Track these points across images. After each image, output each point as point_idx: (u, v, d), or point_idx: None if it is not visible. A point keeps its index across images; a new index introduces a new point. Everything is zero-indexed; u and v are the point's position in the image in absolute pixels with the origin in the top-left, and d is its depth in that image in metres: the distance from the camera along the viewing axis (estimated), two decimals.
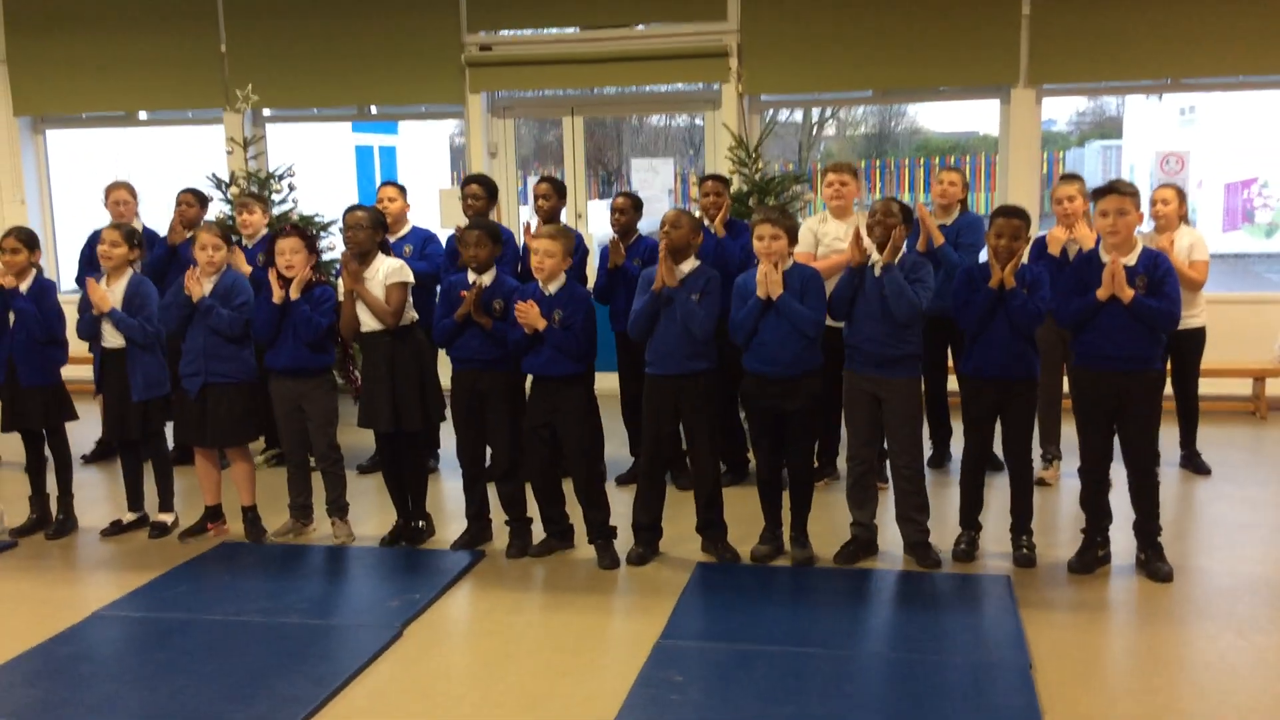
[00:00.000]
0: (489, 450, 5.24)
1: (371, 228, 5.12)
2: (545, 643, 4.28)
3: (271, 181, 7.79)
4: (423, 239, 6.29)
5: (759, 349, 4.82)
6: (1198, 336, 6.01)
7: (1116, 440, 4.79)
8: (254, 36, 8.67)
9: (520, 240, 6.50)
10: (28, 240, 5.41)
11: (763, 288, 4.70)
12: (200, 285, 5.21)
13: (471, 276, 5.06)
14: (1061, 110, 28.90)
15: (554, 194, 6.06)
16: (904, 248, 4.78)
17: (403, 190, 6.38)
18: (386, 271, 5.10)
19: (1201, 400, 6.31)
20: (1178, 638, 4.20)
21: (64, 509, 5.62)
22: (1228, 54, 7.51)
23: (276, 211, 7.82)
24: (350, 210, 5.19)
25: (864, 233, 4.84)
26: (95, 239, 6.80)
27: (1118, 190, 4.60)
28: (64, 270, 9.32)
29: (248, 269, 5.79)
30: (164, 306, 5.33)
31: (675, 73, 8.33)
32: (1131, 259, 4.61)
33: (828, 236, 5.67)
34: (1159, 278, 4.59)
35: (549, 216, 5.97)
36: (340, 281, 5.17)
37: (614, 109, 10.80)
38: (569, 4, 8.39)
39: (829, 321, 4.86)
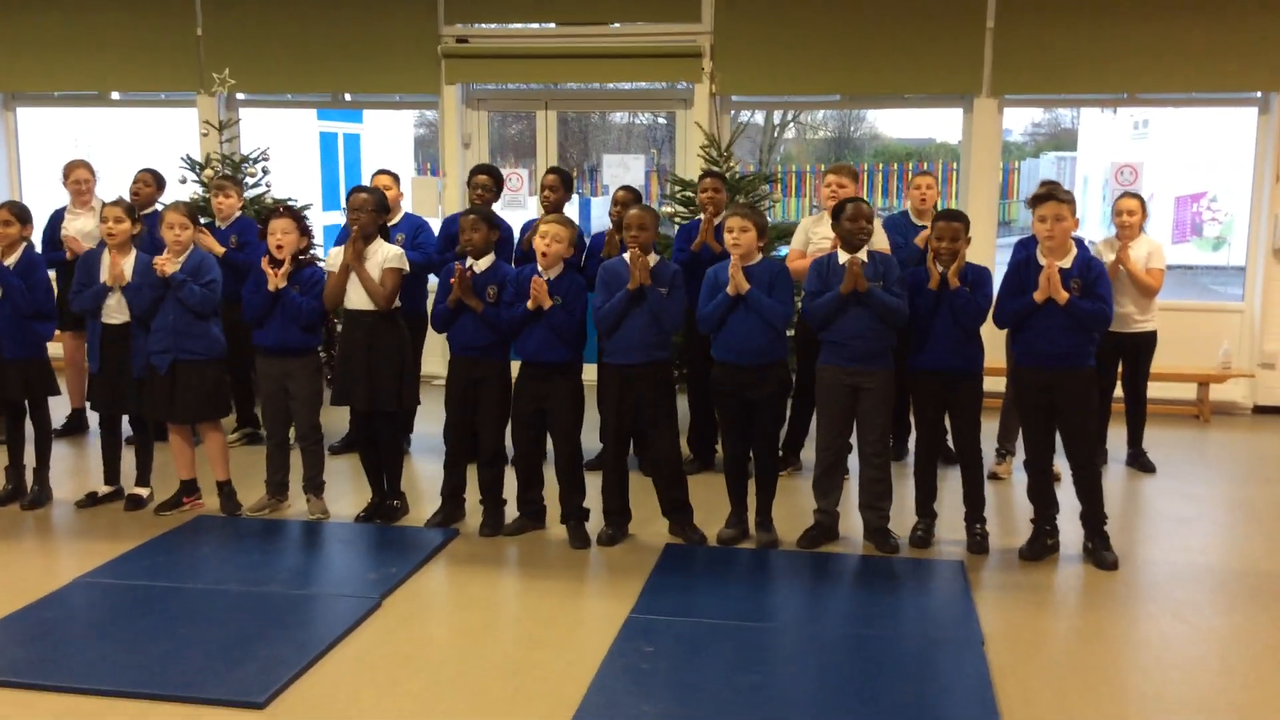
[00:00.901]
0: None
1: (375, 209, 5.25)
2: (521, 615, 4.45)
3: (245, 165, 7.85)
4: (415, 227, 6.39)
5: (727, 339, 5.00)
6: (1150, 340, 6.27)
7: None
8: (231, 20, 8.73)
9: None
10: (20, 214, 5.48)
11: (733, 284, 4.88)
12: (172, 264, 5.28)
13: (468, 261, 5.20)
14: (1018, 121, 29.36)
15: (561, 186, 6.20)
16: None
17: (396, 178, 6.49)
18: (386, 255, 5.23)
19: (1148, 403, 6.58)
20: (1121, 620, 4.43)
21: (40, 480, 5.69)
22: (1181, 71, 7.81)
23: (250, 195, 7.88)
24: (354, 191, 5.32)
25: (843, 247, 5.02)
26: (57, 219, 6.89)
27: (1056, 197, 4.85)
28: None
29: (220, 250, 5.88)
30: (134, 288, 5.38)
31: (649, 71, 8.49)
32: (1067, 262, 4.85)
33: (817, 236, 5.86)
34: (1092, 280, 4.84)
35: (554, 208, 6.10)
36: (333, 252, 5.29)
37: (587, 104, 10.93)
38: None
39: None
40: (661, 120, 24.63)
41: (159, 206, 6.73)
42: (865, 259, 4.94)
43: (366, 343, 5.21)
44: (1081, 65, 7.88)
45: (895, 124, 31.42)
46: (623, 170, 8.79)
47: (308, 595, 4.53)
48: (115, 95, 9.41)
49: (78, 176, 6.91)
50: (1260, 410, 8.10)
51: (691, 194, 7.26)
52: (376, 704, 3.64)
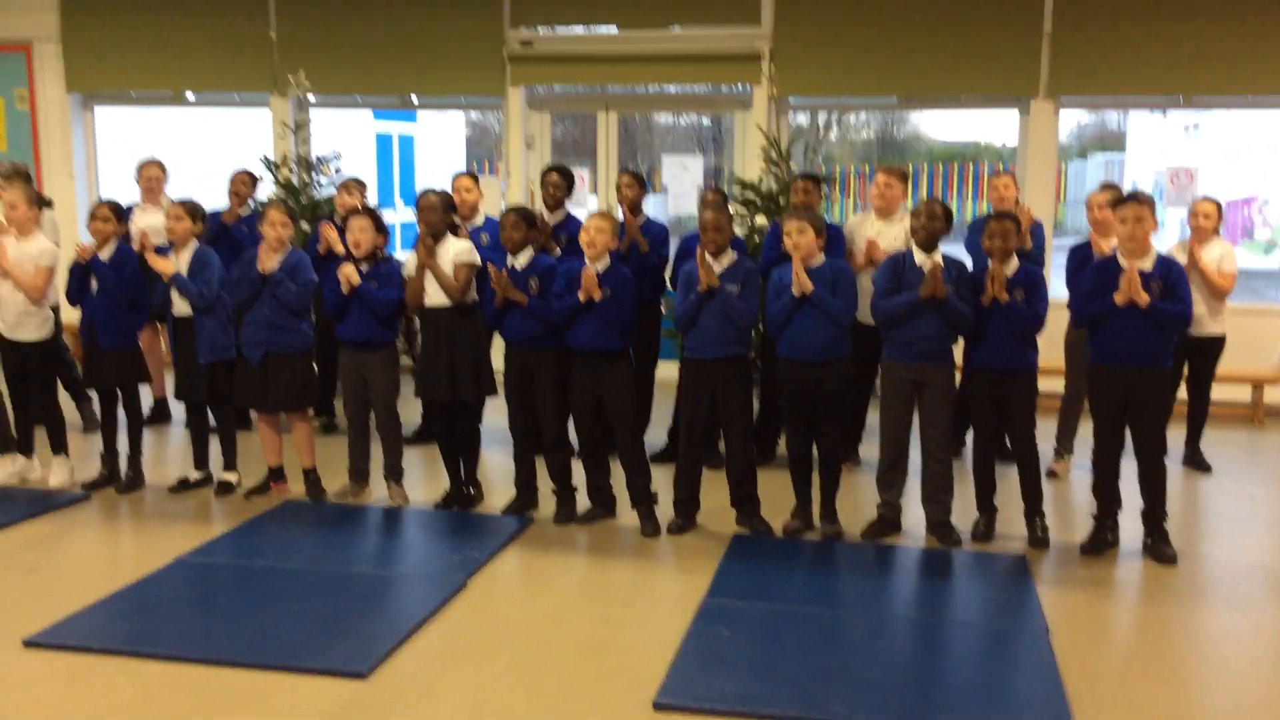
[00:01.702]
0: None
1: (443, 209, 5.46)
2: (598, 598, 4.64)
3: (321, 165, 8.10)
4: (484, 227, 6.60)
5: (793, 336, 5.16)
6: (1218, 344, 6.37)
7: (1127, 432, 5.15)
8: (304, 24, 9.01)
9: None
10: (117, 211, 5.76)
11: (796, 286, 5.04)
12: (272, 260, 5.53)
13: (509, 260, 5.40)
14: (1064, 123, 29.20)
15: (636, 184, 6.36)
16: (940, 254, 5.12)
17: (476, 179, 6.70)
18: (456, 251, 5.44)
19: None
20: (1182, 613, 4.55)
21: (133, 466, 5.95)
22: (1238, 73, 7.87)
23: (323, 195, 8.12)
24: (424, 194, 5.53)
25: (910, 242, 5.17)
26: (126, 214, 7.14)
27: (1137, 200, 4.96)
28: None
29: (340, 248, 6.07)
30: (234, 282, 5.65)
31: (708, 73, 8.68)
32: (1147, 264, 4.96)
33: (871, 233, 6.01)
34: (1172, 282, 4.94)
35: (632, 206, 6.29)
36: (408, 257, 5.52)
37: (647, 106, 11.13)
38: (608, 3, 8.72)
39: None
40: (706, 122, 24.80)
41: (250, 203, 7.06)
42: (941, 262, 5.08)
43: (446, 336, 5.42)
44: (1138, 67, 7.97)
45: (938, 125, 31.47)
46: (682, 170, 8.96)
47: (397, 575, 4.75)
48: (189, 96, 9.71)
49: (149, 174, 7.22)
50: None
51: (754, 194, 7.42)
52: (469, 678, 3.85)
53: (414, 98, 9.47)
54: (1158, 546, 5.10)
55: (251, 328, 5.56)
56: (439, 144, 20.15)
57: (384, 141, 19.07)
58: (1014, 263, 5.08)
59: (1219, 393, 7.76)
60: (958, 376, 5.33)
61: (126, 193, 7.54)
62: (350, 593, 4.53)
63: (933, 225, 5.08)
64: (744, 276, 5.18)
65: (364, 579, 4.69)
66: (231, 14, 9.11)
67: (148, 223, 6.97)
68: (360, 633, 4.12)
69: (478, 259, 5.52)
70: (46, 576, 4.77)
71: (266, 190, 8.07)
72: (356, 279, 5.44)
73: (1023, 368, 5.14)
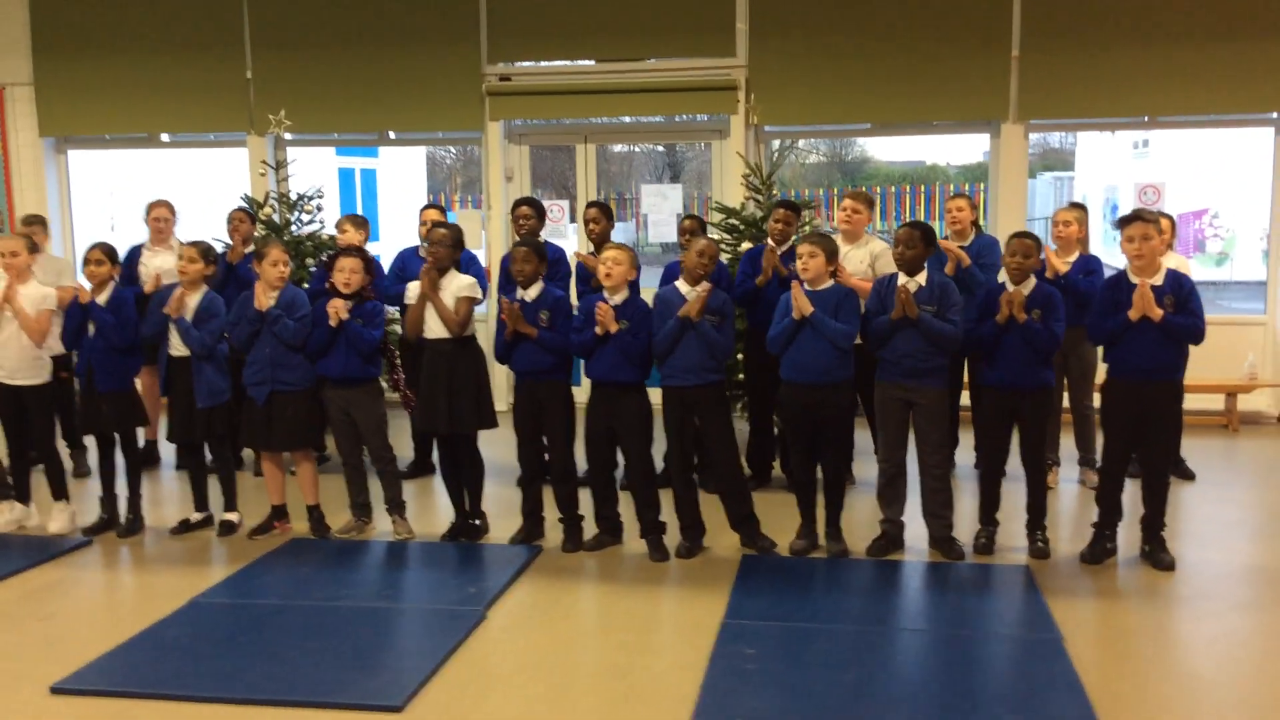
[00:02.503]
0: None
1: (453, 246, 5.53)
2: (618, 624, 4.68)
3: (304, 202, 8.13)
4: (466, 260, 6.65)
5: (795, 358, 5.26)
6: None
7: None
8: (280, 63, 9.04)
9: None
10: (110, 254, 5.76)
11: (796, 309, 5.15)
12: (268, 298, 5.56)
13: (518, 292, 5.47)
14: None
15: (603, 218, 6.49)
16: (923, 272, 5.25)
17: (444, 212, 6.76)
18: (459, 285, 5.50)
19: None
20: (1187, 616, 4.69)
21: (133, 509, 5.92)
22: (1199, 94, 8.14)
23: (305, 231, 8.14)
24: (435, 227, 5.60)
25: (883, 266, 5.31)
26: (134, 255, 7.16)
27: (1142, 218, 5.10)
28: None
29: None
30: (233, 323, 5.67)
31: (686, 104, 8.82)
32: (1158, 279, 5.09)
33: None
34: (1184, 296, 5.08)
35: (600, 239, 6.39)
36: (409, 289, 5.56)
37: (625, 137, 11.26)
38: (585, 38, 8.85)
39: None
40: (681, 149, 24.95)
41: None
42: (923, 284, 5.21)
43: (447, 369, 5.47)
44: (1104, 90, 8.22)
45: (887, 149, 31.95)
46: (660, 199, 9.10)
47: (415, 609, 4.78)
48: (164, 137, 9.70)
49: (157, 214, 7.20)
50: None
51: (736, 221, 7.55)
52: (503, 706, 3.88)
53: (391, 134, 9.49)
54: (1156, 554, 5.24)
55: (255, 367, 5.58)
56: (400, 178, 20.28)
57: (347, 176, 19.15)
58: (1031, 282, 5.21)
59: (1194, 402, 7.97)
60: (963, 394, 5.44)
61: (100, 235, 7.53)
62: (371, 628, 4.55)
63: (909, 252, 5.20)
64: (720, 307, 5.27)
65: (383, 614, 4.71)
66: (206, 55, 9.13)
67: (158, 264, 6.94)
68: (388, 667, 4.14)
69: (480, 294, 5.58)
70: (61, 623, 4.75)
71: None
72: (345, 314, 5.48)
73: (1038, 385, 5.26)
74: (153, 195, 7.54)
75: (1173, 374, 5.11)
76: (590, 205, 6.68)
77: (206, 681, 4.04)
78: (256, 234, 7.67)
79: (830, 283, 5.26)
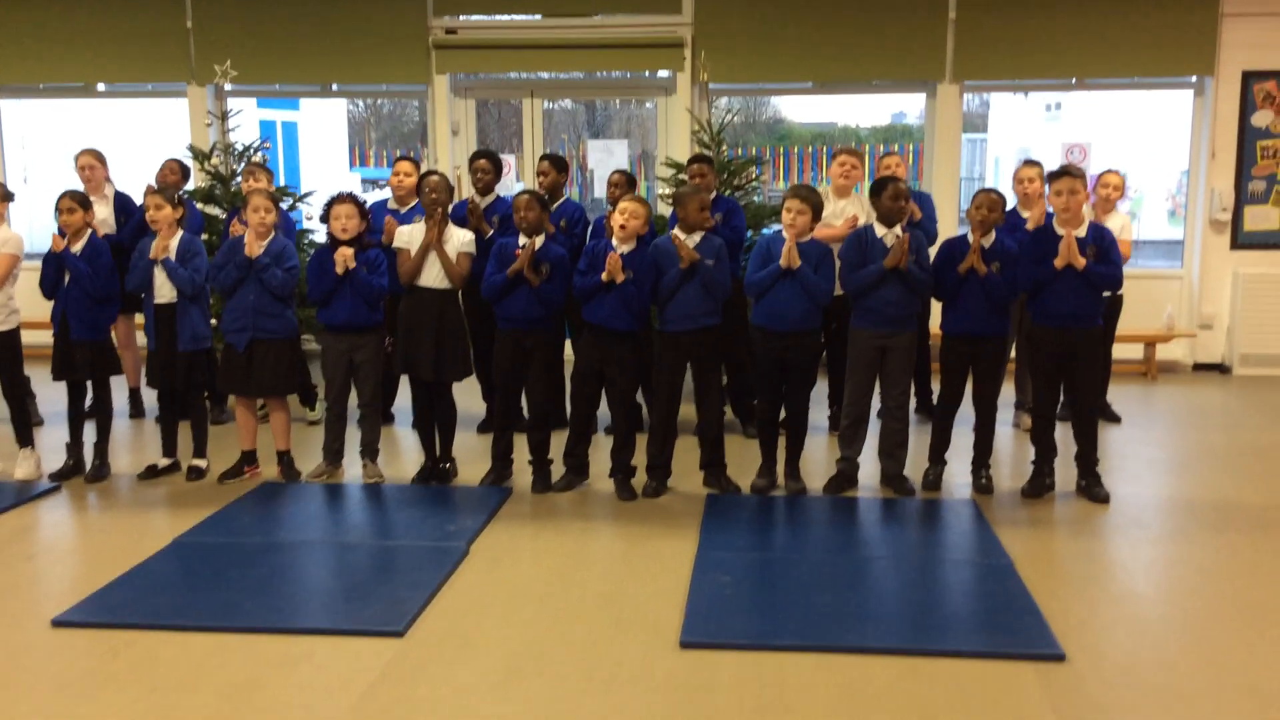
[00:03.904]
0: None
1: (447, 191, 5.66)
2: (598, 557, 4.90)
3: (250, 154, 8.11)
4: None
5: (770, 306, 5.48)
6: (1118, 304, 6.93)
7: None
8: (221, 12, 8.96)
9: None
10: (82, 201, 5.74)
11: (785, 259, 5.36)
12: (258, 246, 5.61)
13: (522, 239, 5.59)
14: (913, 105, 30.14)
15: (553, 170, 6.62)
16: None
17: (417, 165, 6.83)
18: (462, 240, 5.63)
19: None
20: (1124, 543, 5.05)
21: (99, 455, 5.96)
22: (1125, 58, 8.53)
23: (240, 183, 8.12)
24: (427, 174, 5.70)
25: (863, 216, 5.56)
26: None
27: (1069, 173, 5.43)
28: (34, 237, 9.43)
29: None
30: (217, 267, 5.71)
31: (632, 60, 8.97)
32: (1081, 231, 5.43)
33: (825, 212, 6.36)
34: (1105, 247, 5.44)
35: (550, 191, 6.52)
36: (400, 234, 5.67)
37: (570, 93, 11.38)
38: None
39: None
40: (618, 104, 24.95)
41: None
42: (905, 235, 5.47)
43: (436, 318, 5.58)
44: (1036, 53, 8.57)
45: (798, 109, 32.41)
46: (607, 155, 9.24)
47: (399, 546, 4.92)
48: (100, 87, 9.55)
49: (84, 162, 7.09)
50: (1199, 367, 8.91)
51: (683, 176, 7.72)
52: (499, 631, 4.07)
53: (334, 86, 9.47)
54: (1091, 488, 5.61)
55: (235, 314, 5.64)
56: (320, 131, 20.06)
57: (268, 128, 18.92)
58: (991, 236, 5.50)
59: (1117, 352, 8.43)
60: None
61: (34, 187, 7.41)
62: (360, 563, 4.70)
63: (898, 204, 5.47)
64: (715, 250, 5.47)
65: (369, 550, 4.86)
66: (146, 4, 9.01)
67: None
68: (383, 598, 4.30)
69: (474, 249, 5.71)
70: (46, 563, 4.81)
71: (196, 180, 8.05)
72: (353, 262, 5.56)
73: (994, 332, 5.56)
74: (82, 145, 7.45)
75: (1093, 320, 5.46)
76: (543, 157, 6.81)
77: (206, 613, 4.16)
78: (191, 186, 7.67)
79: (809, 237, 5.48)
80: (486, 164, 6.63)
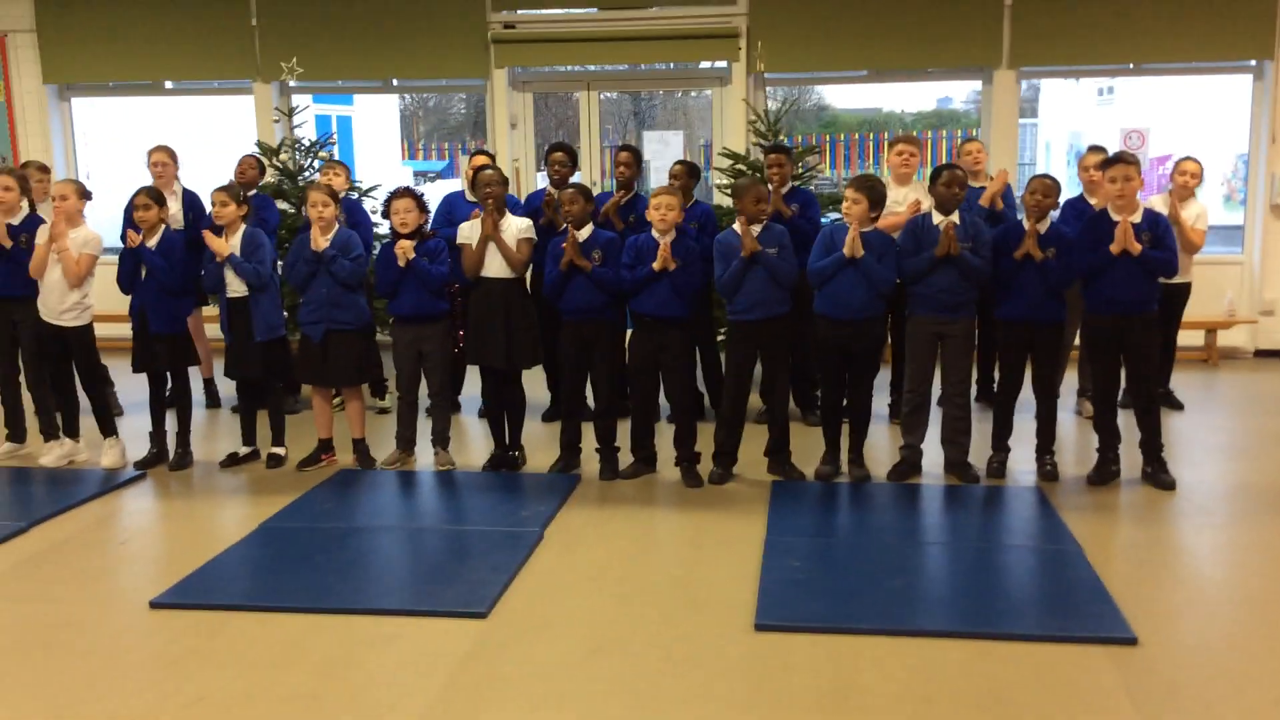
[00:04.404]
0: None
1: (502, 183, 5.79)
2: (667, 541, 5.02)
3: (319, 149, 8.30)
4: (511, 204, 6.87)
5: (833, 295, 5.56)
6: (1185, 291, 6.95)
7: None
8: (287, 11, 9.14)
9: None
10: (157, 198, 5.92)
11: (849, 248, 5.44)
12: (323, 240, 5.77)
13: (573, 230, 5.71)
14: (959, 90, 29.80)
15: (634, 162, 6.71)
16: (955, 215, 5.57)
17: (492, 158, 6.95)
18: (520, 227, 5.77)
19: None
20: (1191, 529, 5.09)
21: (182, 444, 6.15)
22: (1183, 42, 8.50)
23: (316, 178, 8.31)
24: (481, 169, 5.84)
25: (923, 205, 5.62)
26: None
27: (1124, 160, 5.46)
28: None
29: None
30: (290, 265, 5.89)
31: (688, 51, 9.05)
32: (1137, 218, 5.46)
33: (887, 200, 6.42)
34: (1159, 234, 5.46)
35: (627, 182, 6.62)
36: (468, 226, 5.80)
37: (627, 84, 11.44)
38: None
39: None
40: (661, 95, 25.04)
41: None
42: (957, 222, 5.53)
43: (504, 307, 5.72)
44: (1093, 38, 8.55)
45: (843, 96, 32.13)
46: (663, 146, 9.32)
47: (477, 530, 5.06)
48: (168, 84, 9.77)
49: (156, 159, 7.26)
50: (1261, 354, 8.86)
51: (743, 166, 7.82)
52: (578, 612, 4.19)
53: (394, 81, 9.63)
54: (1157, 475, 5.64)
55: (310, 307, 5.80)
56: (374, 126, 20.33)
57: (323, 123, 19.23)
58: (1046, 222, 5.54)
59: (1178, 338, 8.43)
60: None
61: (105, 181, 7.60)
62: (439, 547, 4.86)
63: (953, 191, 5.53)
64: (778, 239, 5.56)
65: (446, 534, 5.01)
66: (211, 2, 9.21)
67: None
68: (465, 579, 4.44)
69: (535, 235, 5.83)
70: (139, 547, 5.01)
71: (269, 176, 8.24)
72: (412, 254, 5.71)
73: (1051, 318, 5.60)
74: (150, 142, 7.62)
75: (1147, 306, 5.49)
76: (622, 148, 6.90)
77: (298, 594, 4.32)
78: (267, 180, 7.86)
79: (871, 226, 5.55)
80: (563, 156, 6.75)
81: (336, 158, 8.33)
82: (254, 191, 7.21)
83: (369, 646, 3.92)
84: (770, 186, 6.50)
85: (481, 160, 6.82)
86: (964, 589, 4.38)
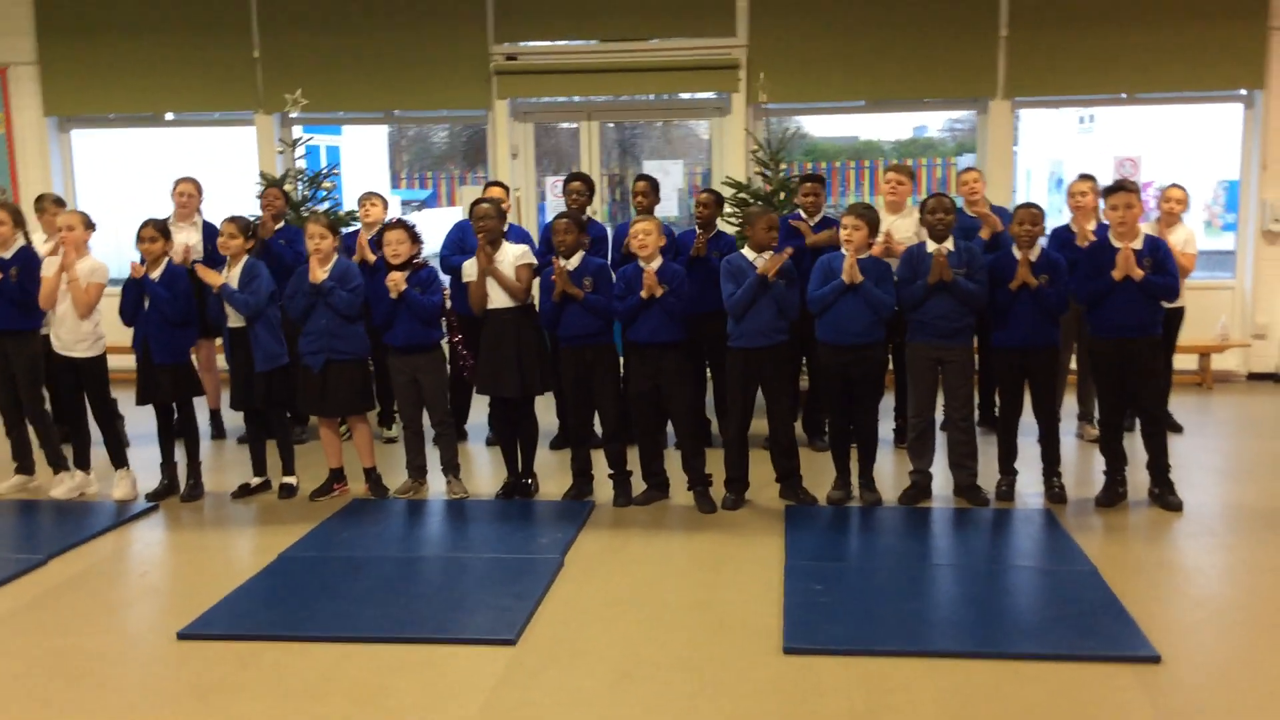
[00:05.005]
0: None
1: (498, 216, 5.84)
2: (688, 566, 5.05)
3: (322, 179, 8.35)
4: (519, 236, 6.92)
5: (834, 321, 5.64)
6: (1179, 316, 7.04)
7: None
8: (288, 43, 9.21)
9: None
10: (163, 230, 5.96)
11: (848, 274, 5.53)
12: (322, 271, 5.81)
13: (560, 262, 5.77)
14: (934, 120, 29.99)
15: (652, 191, 6.79)
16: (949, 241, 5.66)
17: (506, 190, 7.01)
18: (516, 254, 5.82)
19: None
20: (1199, 549, 5.17)
21: (193, 475, 6.15)
22: (1175, 72, 8.66)
23: (321, 208, 8.36)
24: (476, 203, 5.89)
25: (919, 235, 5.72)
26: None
27: (1125, 188, 5.58)
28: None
29: (372, 257, 6.43)
30: (289, 296, 5.92)
31: (688, 82, 9.17)
32: (1138, 244, 5.56)
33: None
34: (1161, 259, 5.57)
35: (647, 209, 6.69)
36: (465, 267, 5.85)
37: (627, 115, 11.53)
38: (589, 18, 9.14)
39: None
40: (629, 128, 25.21)
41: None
42: (951, 248, 5.62)
43: (514, 336, 5.76)
44: (1086, 69, 8.69)
45: (820, 124, 32.28)
46: (663, 175, 9.38)
47: (497, 558, 5.08)
48: (169, 116, 9.82)
49: (182, 189, 7.34)
50: (1254, 377, 8.99)
51: (746, 195, 7.91)
52: (605, 638, 4.22)
53: (395, 112, 9.70)
54: (1165, 496, 5.71)
55: (310, 337, 5.84)
56: (363, 155, 20.45)
57: (312, 153, 19.32)
58: (1037, 249, 5.64)
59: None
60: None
61: (103, 213, 7.60)
62: (462, 576, 4.87)
63: (938, 218, 5.63)
64: (788, 271, 5.63)
65: (468, 563, 5.03)
66: (213, 35, 9.28)
67: (182, 240, 7.10)
68: (490, 606, 4.47)
69: (534, 259, 5.89)
70: (159, 579, 5.02)
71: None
72: (404, 285, 5.76)
73: (1045, 343, 5.69)
74: (165, 174, 7.64)
75: (1151, 330, 5.58)
76: (640, 178, 6.97)
77: (325, 622, 4.34)
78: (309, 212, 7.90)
79: (868, 253, 5.64)
80: (581, 185, 6.82)
81: (339, 188, 8.41)
82: (283, 224, 7.25)
83: (400, 674, 3.94)
84: (803, 214, 6.65)
85: (493, 193, 6.88)
86: (986, 610, 4.43)
